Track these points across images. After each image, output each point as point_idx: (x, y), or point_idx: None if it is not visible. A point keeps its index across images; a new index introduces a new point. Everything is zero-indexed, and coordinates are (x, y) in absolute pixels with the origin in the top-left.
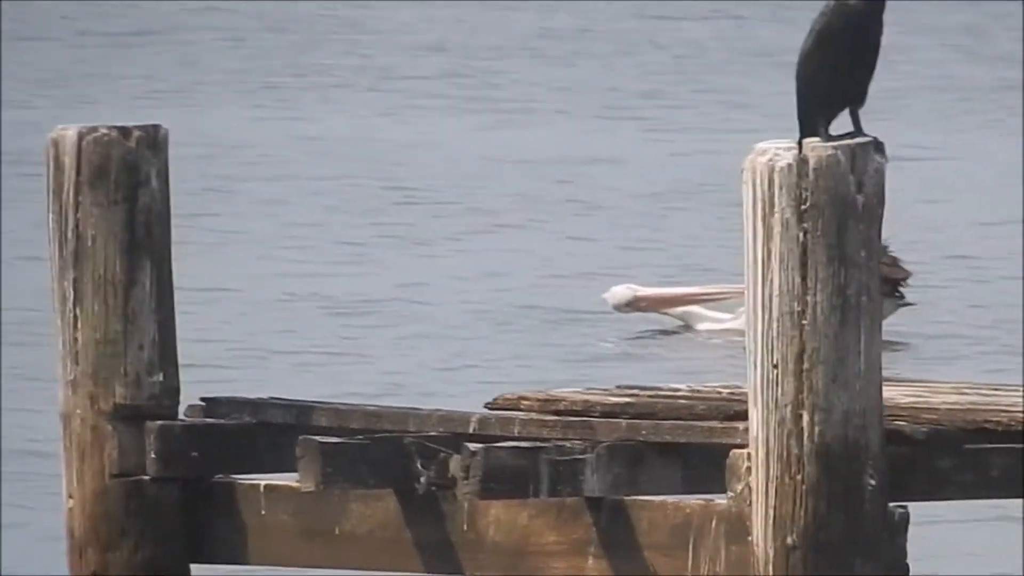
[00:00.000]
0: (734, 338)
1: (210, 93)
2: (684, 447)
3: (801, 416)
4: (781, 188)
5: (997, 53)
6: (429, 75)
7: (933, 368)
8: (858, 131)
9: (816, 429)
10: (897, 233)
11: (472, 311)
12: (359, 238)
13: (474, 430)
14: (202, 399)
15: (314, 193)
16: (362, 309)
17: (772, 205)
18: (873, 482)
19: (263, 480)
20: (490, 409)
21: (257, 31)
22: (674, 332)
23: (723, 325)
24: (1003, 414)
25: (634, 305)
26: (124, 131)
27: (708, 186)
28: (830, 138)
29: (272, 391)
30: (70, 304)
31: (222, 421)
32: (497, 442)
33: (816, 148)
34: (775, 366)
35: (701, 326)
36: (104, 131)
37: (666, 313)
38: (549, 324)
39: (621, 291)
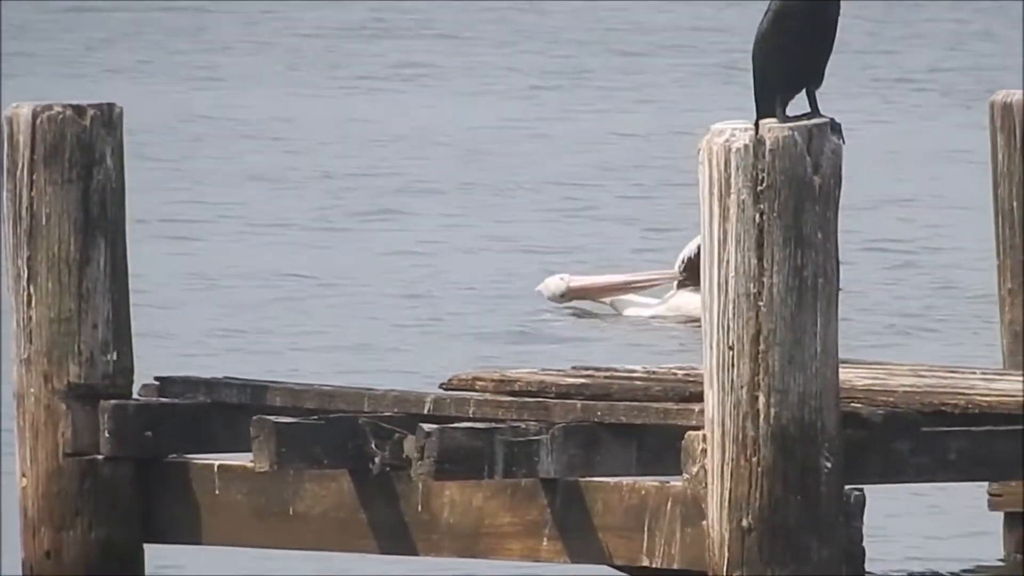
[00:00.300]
0: (662, 323)
1: (137, 69)
2: (639, 428)
3: (757, 398)
4: (737, 169)
5: (926, 39)
6: (361, 53)
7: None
8: (815, 112)
9: (772, 411)
10: None
11: (397, 291)
12: (284, 217)
13: (429, 411)
14: (156, 378)
15: (240, 171)
16: (285, 288)
17: (728, 186)
18: (829, 464)
19: (217, 460)
20: (445, 389)
21: (188, 9)
22: (602, 315)
23: (651, 311)
24: (960, 397)
25: (568, 295)
26: (79, 109)
27: (643, 166)
28: (787, 119)
29: (203, 372)
30: (24, 282)
31: (176, 400)
32: (452, 423)
33: (773, 129)
34: (731, 347)
35: (629, 311)
36: (59, 109)
37: (601, 300)
38: (474, 303)
39: (554, 282)
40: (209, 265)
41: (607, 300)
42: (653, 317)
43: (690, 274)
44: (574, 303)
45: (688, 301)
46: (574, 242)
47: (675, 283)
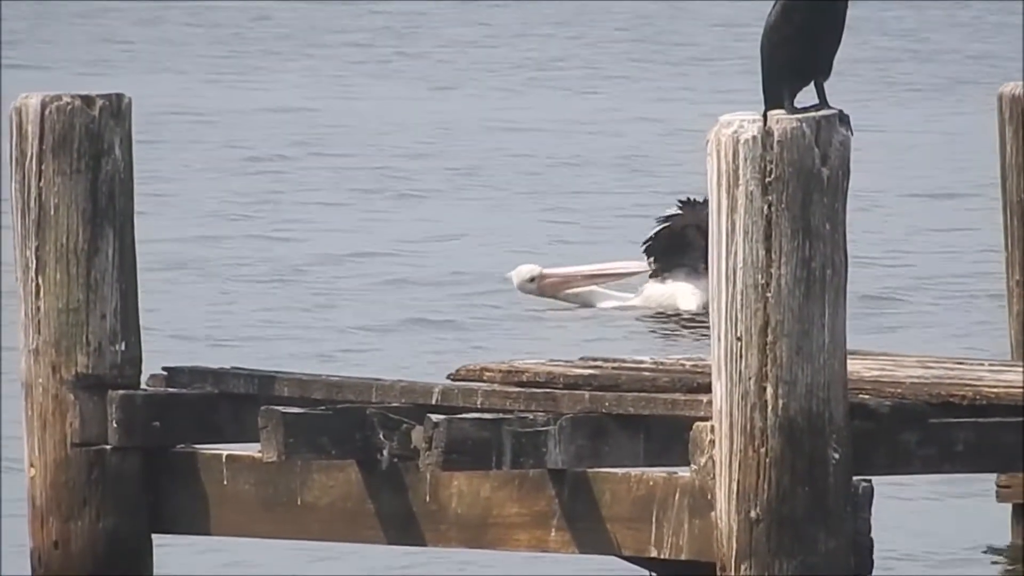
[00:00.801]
0: (635, 316)
1: (110, 60)
2: (647, 419)
3: (765, 389)
4: (746, 160)
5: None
6: (352, 41)
7: None
8: (823, 103)
9: (780, 402)
10: None
11: (370, 280)
12: (263, 205)
13: (437, 401)
14: (164, 368)
15: (214, 160)
16: (261, 277)
17: (736, 177)
18: (837, 455)
19: (225, 450)
20: (453, 380)
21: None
22: (574, 308)
23: (625, 303)
24: (968, 388)
25: (538, 283)
26: (87, 100)
27: (621, 157)
28: (795, 110)
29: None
30: (32, 273)
31: (184, 391)
32: (460, 413)
33: (781, 120)
34: (739, 339)
35: (603, 305)
36: (67, 100)
37: (567, 296)
38: (443, 293)
39: (526, 269)
40: (179, 254)
41: (577, 293)
42: (629, 309)
43: (656, 258)
44: (544, 299)
45: (657, 291)
46: (548, 232)
47: (648, 273)
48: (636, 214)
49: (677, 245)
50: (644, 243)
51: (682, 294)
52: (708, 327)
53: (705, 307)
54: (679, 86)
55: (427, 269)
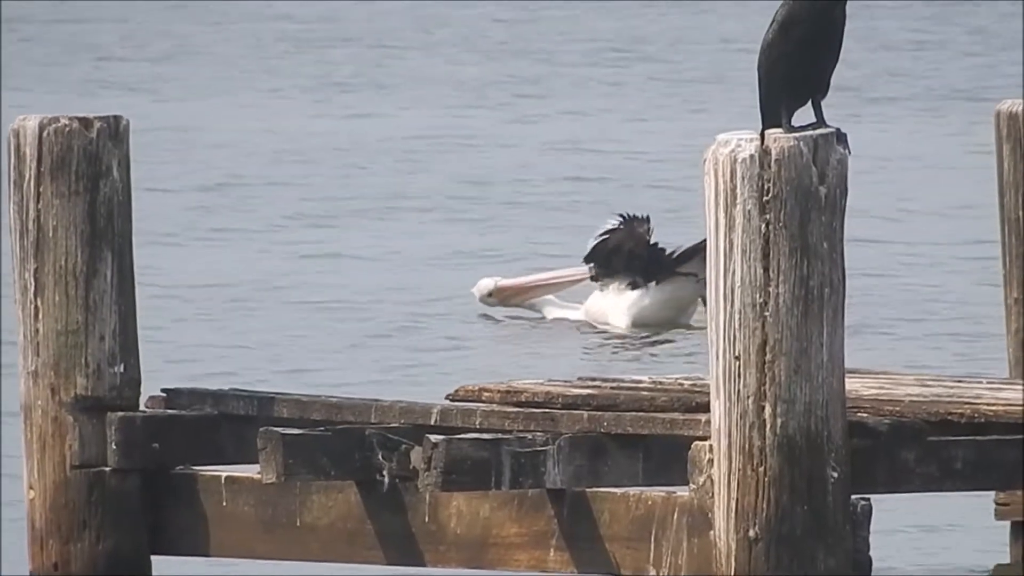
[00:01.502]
0: (585, 326)
1: (71, 79)
2: (646, 439)
3: (763, 408)
4: (743, 179)
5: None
6: (296, 63)
7: None
8: (820, 122)
9: (778, 421)
10: None
11: (327, 300)
12: (217, 226)
13: (436, 422)
14: (163, 390)
15: (171, 180)
16: (219, 297)
17: (734, 196)
18: (836, 474)
19: (224, 471)
20: (451, 401)
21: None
22: (534, 321)
23: (574, 315)
24: (966, 406)
25: (496, 295)
26: (85, 122)
27: (576, 174)
28: (792, 129)
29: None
30: (31, 295)
31: (183, 412)
32: (459, 434)
33: (778, 139)
34: (737, 358)
35: (552, 315)
36: (65, 122)
37: (522, 304)
38: (405, 312)
39: (484, 284)
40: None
41: (531, 303)
42: (574, 320)
43: (597, 265)
44: (503, 309)
45: (595, 305)
46: (507, 250)
47: (589, 280)
48: (585, 230)
49: (614, 259)
50: (585, 257)
51: (613, 310)
52: (638, 343)
53: (633, 324)
54: (638, 106)
55: (398, 288)
